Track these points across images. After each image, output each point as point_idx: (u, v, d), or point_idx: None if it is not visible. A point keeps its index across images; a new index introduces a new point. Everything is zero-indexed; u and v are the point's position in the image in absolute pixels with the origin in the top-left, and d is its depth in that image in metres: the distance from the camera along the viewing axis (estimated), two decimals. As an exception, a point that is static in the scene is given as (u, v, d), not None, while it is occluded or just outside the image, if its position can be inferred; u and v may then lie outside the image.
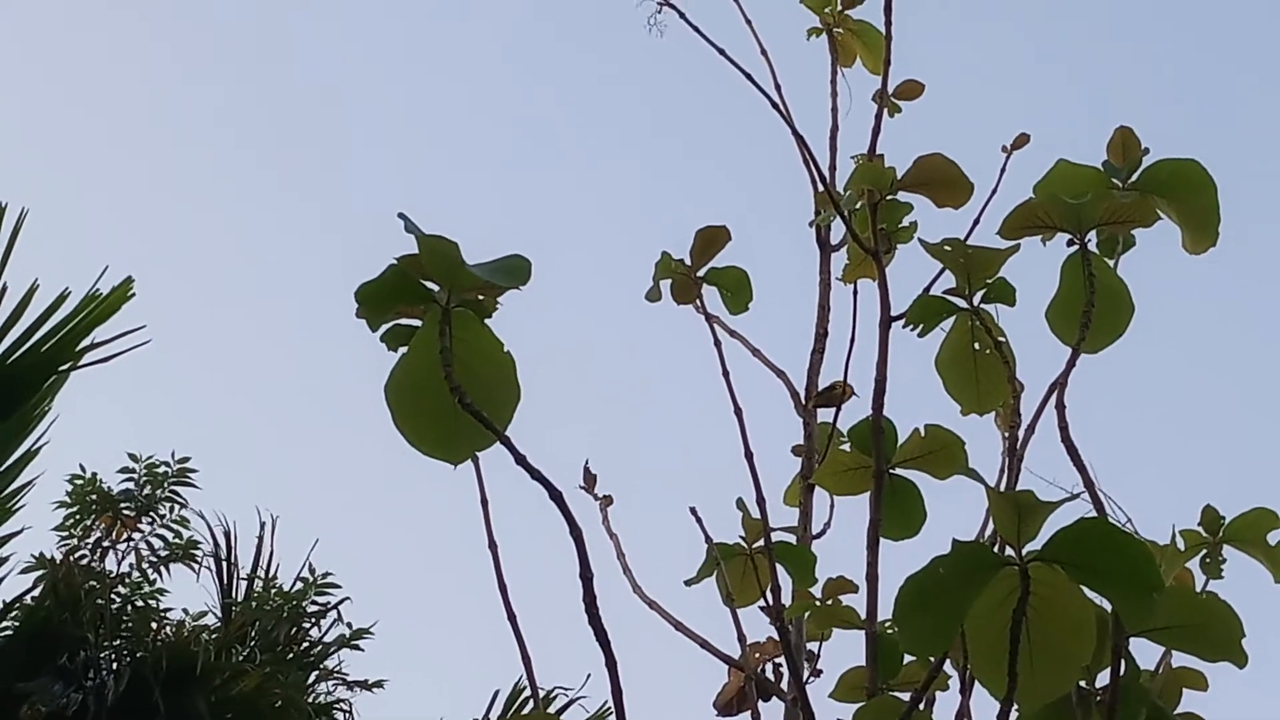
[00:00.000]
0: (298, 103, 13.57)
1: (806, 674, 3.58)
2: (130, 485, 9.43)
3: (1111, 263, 2.98)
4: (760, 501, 3.46)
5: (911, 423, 3.28)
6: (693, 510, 3.49)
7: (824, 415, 3.90)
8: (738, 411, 3.57)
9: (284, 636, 8.72)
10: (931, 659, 2.77)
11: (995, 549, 2.40)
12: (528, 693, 2.91)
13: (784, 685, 3.61)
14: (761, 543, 3.45)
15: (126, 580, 8.94)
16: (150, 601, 8.94)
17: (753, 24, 4.22)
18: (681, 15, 4.10)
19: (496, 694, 8.11)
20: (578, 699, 7.77)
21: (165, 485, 9.42)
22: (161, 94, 13.73)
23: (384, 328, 2.48)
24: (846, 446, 3.47)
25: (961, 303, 3.07)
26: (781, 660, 3.59)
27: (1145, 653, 2.77)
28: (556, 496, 2.38)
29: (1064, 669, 2.37)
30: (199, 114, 13.58)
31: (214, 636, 8.23)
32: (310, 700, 8.53)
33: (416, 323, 2.48)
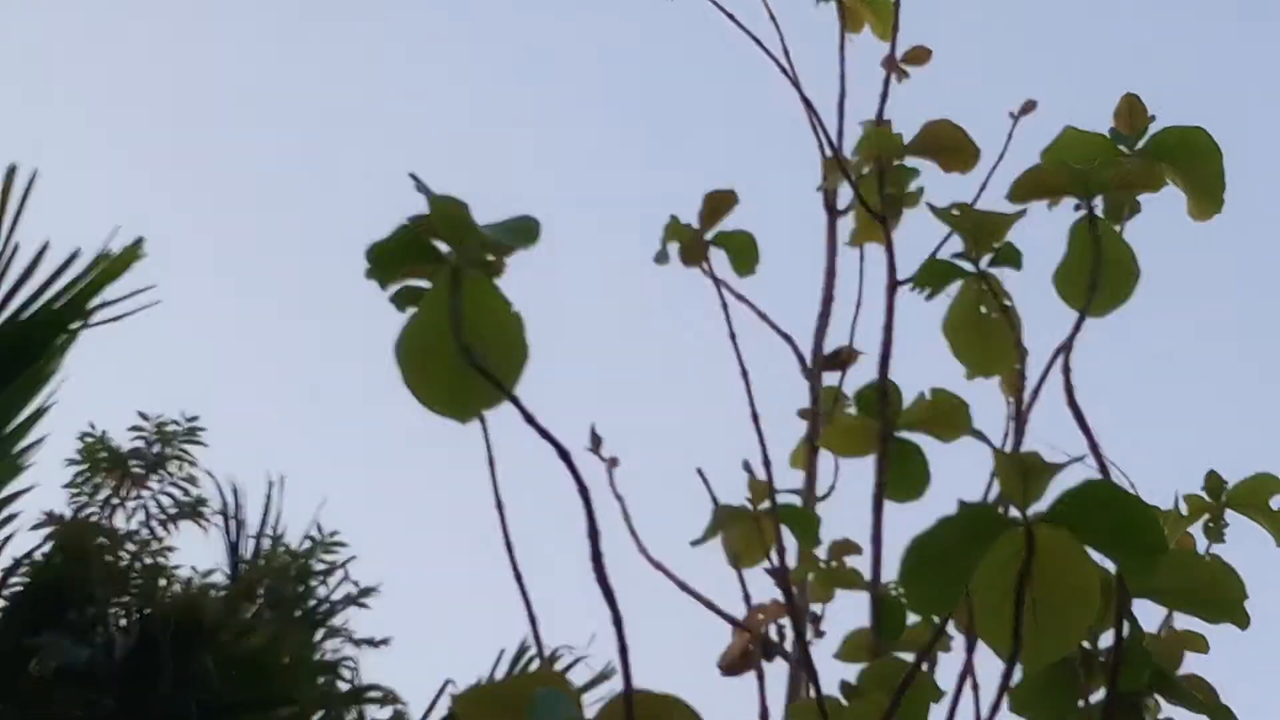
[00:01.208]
0: (313, 64, 13.58)
1: (810, 635, 3.60)
2: (140, 443, 9.47)
3: (1118, 228, 2.99)
4: (766, 464, 3.48)
5: (917, 386, 3.31)
6: (699, 471, 3.51)
7: (830, 379, 3.92)
8: (744, 374, 3.58)
9: (292, 594, 8.76)
10: (936, 620, 2.79)
11: (1000, 510, 2.41)
12: (533, 651, 2.93)
13: (788, 646, 3.63)
14: (767, 504, 3.47)
15: (135, 537, 8.98)
16: (159, 559, 8.98)
17: (762, -13, 4.22)
18: (690, -22, 4.10)
19: (502, 652, 8.16)
20: (582, 658, 7.82)
21: (175, 443, 9.46)
22: (174, 52, 13.72)
23: (393, 288, 2.50)
24: (852, 409, 3.49)
25: (969, 266, 3.08)
26: (786, 621, 3.61)
27: (1148, 615, 2.80)
28: (564, 454, 2.40)
29: (1068, 630, 2.39)
30: (212, 72, 13.58)
31: (222, 594, 8.28)
32: (317, 657, 8.58)
33: (426, 284, 2.49)
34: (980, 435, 2.94)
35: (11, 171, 6.14)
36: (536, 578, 2.81)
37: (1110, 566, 2.41)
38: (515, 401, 2.44)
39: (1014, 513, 2.33)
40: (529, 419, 2.42)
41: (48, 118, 12.55)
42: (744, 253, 3.79)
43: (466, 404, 2.51)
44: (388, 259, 2.45)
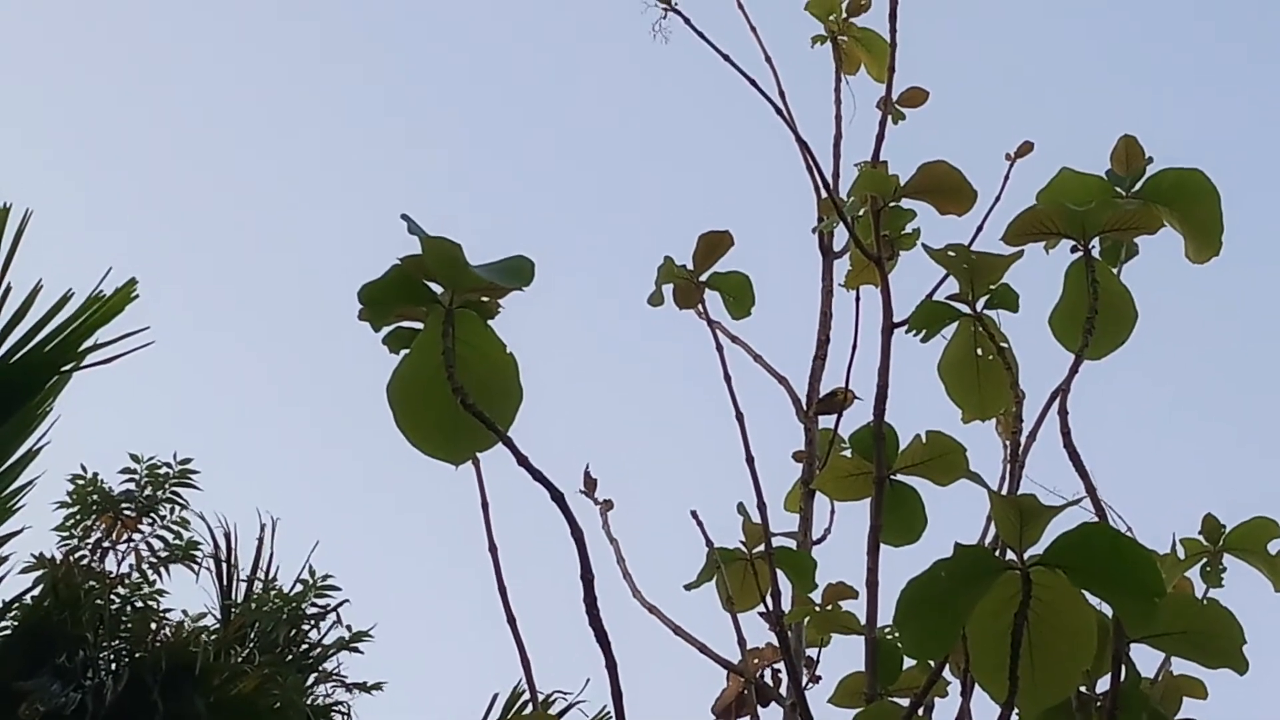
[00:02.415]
0: (302, 105, 13.59)
1: (806, 679, 3.58)
2: (131, 486, 9.44)
3: (1115, 270, 2.98)
4: (761, 506, 3.46)
5: (913, 429, 3.29)
6: (694, 514, 3.50)
7: (825, 421, 3.91)
8: (739, 416, 3.57)
9: (283, 638, 8.72)
10: (932, 664, 2.77)
11: (997, 553, 2.40)
12: (527, 696, 2.90)
13: (783, 690, 3.61)
14: (762, 548, 3.46)
15: (126, 580, 8.94)
16: (150, 602, 8.94)
17: (757, 31, 4.23)
18: (687, 21, 4.11)
19: (495, 697, 8.11)
20: (577, 703, 7.77)
21: (166, 486, 9.43)
22: (166, 95, 13.73)
23: (386, 329, 2.48)
24: (848, 452, 3.47)
25: (965, 308, 3.07)
26: (781, 665, 3.59)
27: (1145, 659, 2.78)
28: (558, 497, 2.38)
29: (1065, 674, 2.37)
30: (203, 115, 13.59)
31: (213, 637, 8.23)
32: (309, 702, 8.53)
33: (419, 325, 2.48)
34: (977, 478, 2.92)
35: (4, 212, 6.12)
36: (530, 621, 2.80)
37: (1107, 610, 2.40)
38: (509, 444, 2.42)
39: (1010, 556, 2.32)
40: (522, 462, 2.40)
41: (41, 159, 12.56)
42: (739, 294, 3.78)
43: (459, 446, 2.50)
44: (380, 299, 2.43)
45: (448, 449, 2.49)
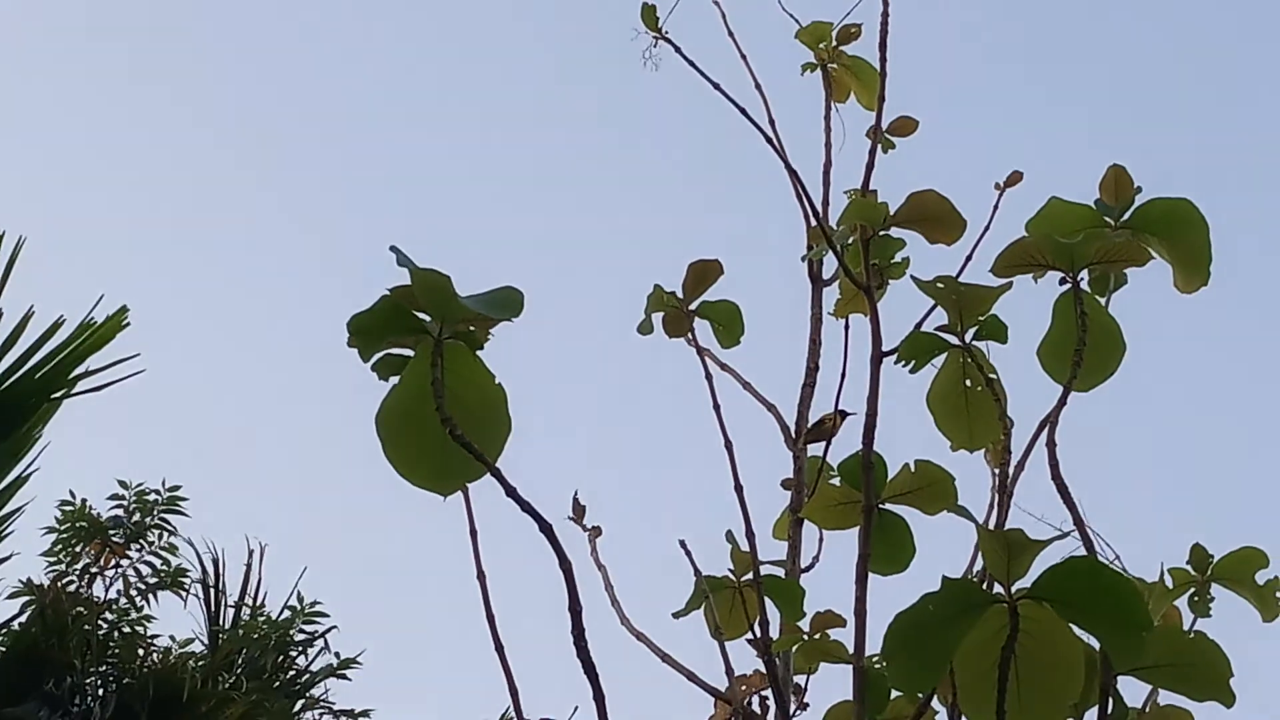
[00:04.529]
0: (295, 133, 13.60)
1: (793, 708, 3.57)
2: (119, 512, 9.41)
3: (1103, 301, 2.98)
4: (749, 535, 3.46)
5: (902, 458, 3.29)
6: (682, 543, 3.50)
7: (814, 450, 3.90)
8: (728, 445, 3.57)
9: (271, 665, 8.71)
10: (919, 695, 2.77)
11: (984, 586, 2.40)
12: (515, 724, 2.90)
13: (770, 719, 3.60)
14: (750, 576, 3.45)
15: (114, 607, 8.92)
16: (137, 628, 8.92)
17: (747, 59, 4.23)
18: (677, 49, 4.11)
19: (483, 726, 8.10)
20: (565, 731, 7.75)
21: (154, 512, 9.41)
22: (157, 122, 13.74)
23: (375, 357, 2.48)
24: (836, 481, 3.47)
25: (953, 340, 3.07)
26: (768, 694, 3.58)
27: (1133, 691, 2.78)
28: (546, 529, 2.38)
29: (1052, 707, 2.37)
30: (195, 143, 13.60)
31: (201, 664, 8.22)
32: (297, 728, 8.52)
33: (409, 352, 2.48)
34: (964, 512, 2.93)
35: (-3, 239, 6.12)
36: (518, 649, 2.80)
37: (1095, 642, 2.39)
38: (497, 475, 2.42)
39: (998, 589, 2.32)
40: (511, 493, 2.40)
41: (34, 186, 12.55)
42: (728, 323, 3.78)
43: (448, 477, 2.49)
44: (369, 330, 2.43)
45: (436, 480, 2.49)
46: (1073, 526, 2.59)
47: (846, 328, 3.84)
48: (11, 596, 8.25)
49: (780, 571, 3.67)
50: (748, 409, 3.96)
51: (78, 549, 9.21)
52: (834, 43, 4.36)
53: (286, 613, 9.15)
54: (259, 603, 9.12)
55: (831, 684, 3.47)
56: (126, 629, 8.77)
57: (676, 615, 3.53)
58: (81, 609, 8.29)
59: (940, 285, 3.02)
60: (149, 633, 8.99)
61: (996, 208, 3.61)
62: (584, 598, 2.41)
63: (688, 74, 4.02)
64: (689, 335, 3.79)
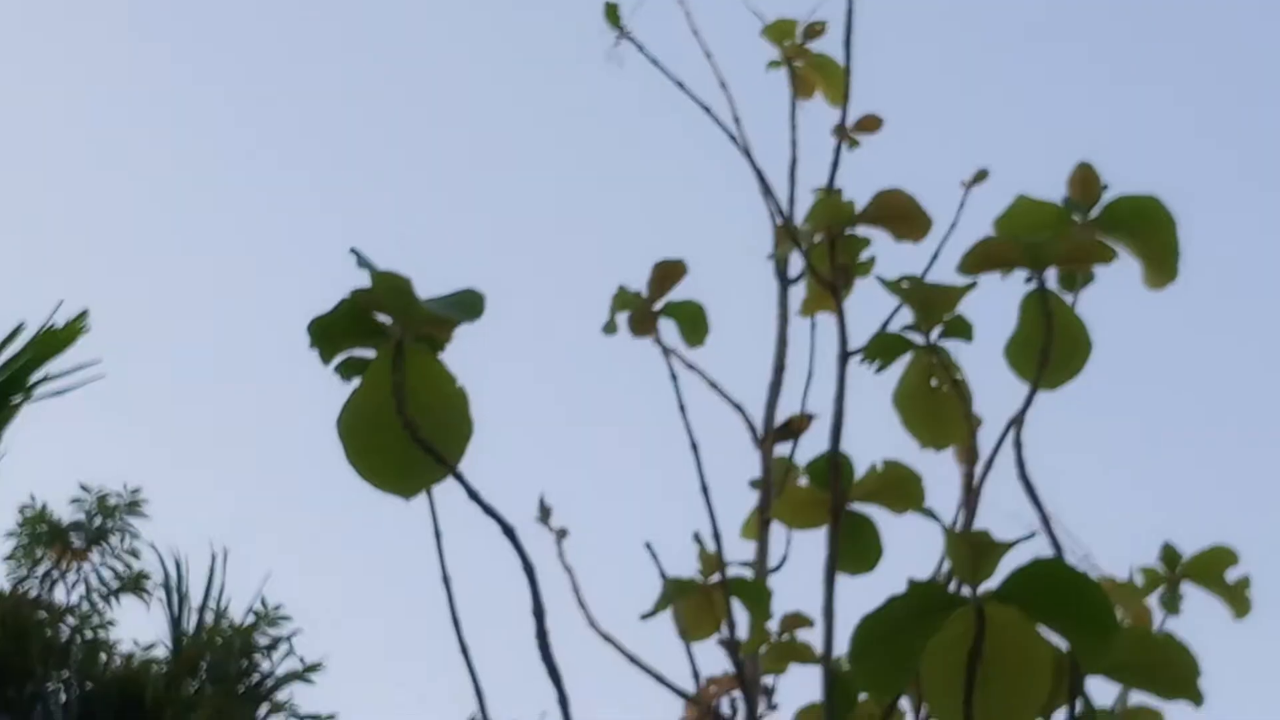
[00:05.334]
0: (252, 137, 13.57)
1: (762, 709, 3.56)
2: (81, 516, 9.37)
3: (1070, 299, 2.97)
4: (716, 536, 3.45)
5: (870, 458, 3.28)
6: (648, 546, 3.48)
7: (782, 450, 3.89)
8: (694, 446, 3.55)
9: (235, 669, 8.67)
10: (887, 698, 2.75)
11: (951, 588, 2.38)
12: (481, 729, 2.88)
13: (739, 719, 3.59)
14: (717, 577, 3.44)
15: (76, 611, 8.87)
16: (100, 633, 8.88)
17: (712, 56, 4.22)
18: (640, 48, 4.09)
19: (450, 728, 8.07)
20: (532, 733, 7.74)
21: (116, 516, 9.37)
22: (116, 129, 13.70)
23: (337, 360, 2.46)
24: (804, 481, 3.45)
25: (919, 339, 3.06)
26: (738, 695, 3.56)
27: (1103, 692, 2.77)
28: (509, 532, 2.37)
29: (1020, 708, 2.36)
30: (154, 149, 13.56)
31: (164, 669, 8.18)
32: (262, 733, 8.49)
33: (371, 353, 2.46)
34: (931, 514, 2.91)
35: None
36: (484, 652, 2.77)
37: (1063, 643, 2.38)
38: (459, 478, 2.41)
39: (964, 590, 2.31)
40: (473, 496, 2.39)
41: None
42: (694, 323, 3.76)
43: (410, 480, 2.48)
44: (330, 333, 2.42)
45: (399, 483, 2.47)
46: (1040, 527, 2.58)
47: (813, 326, 3.83)
48: (-30, 603, 8.21)
49: (748, 572, 3.66)
50: (715, 409, 3.94)
51: (38, 554, 9.16)
52: (799, 40, 4.34)
53: (250, 617, 9.13)
54: (222, 607, 9.09)
55: (801, 685, 3.47)
56: (89, 634, 8.72)
57: (644, 617, 3.51)
58: (43, 614, 8.24)
59: (905, 285, 3.01)
60: (111, 638, 8.96)
61: (963, 205, 3.60)
62: (552, 599, 2.40)
63: (652, 72, 4.01)
64: (654, 335, 3.77)
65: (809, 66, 4.34)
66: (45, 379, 6.07)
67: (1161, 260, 2.98)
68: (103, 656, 8.27)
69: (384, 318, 2.42)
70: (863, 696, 3.14)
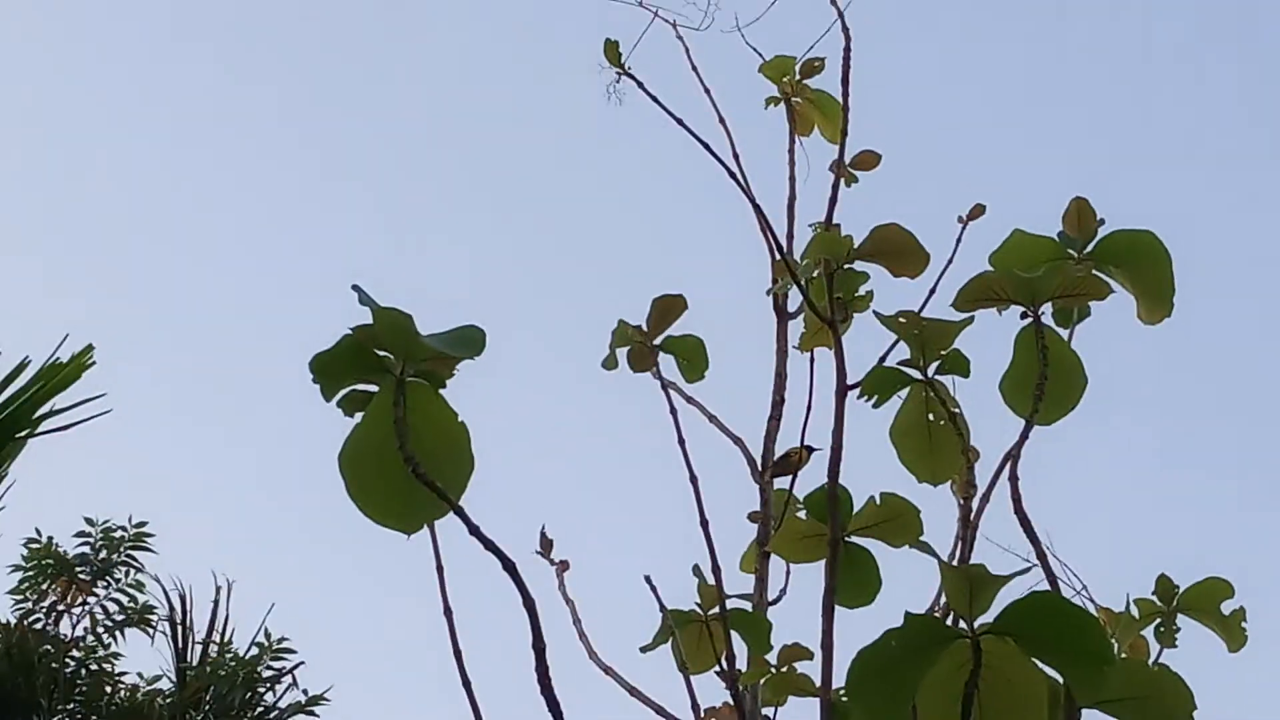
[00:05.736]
0: (256, 171, 13.59)
1: (762, 741, 3.57)
2: (86, 549, 9.37)
3: (1065, 334, 2.99)
4: (716, 568, 3.46)
5: (867, 491, 3.29)
6: (647, 579, 3.49)
7: (780, 483, 3.91)
8: (693, 479, 3.57)
9: (239, 701, 8.67)
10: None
11: (947, 621, 2.40)
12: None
13: (739, 753, 3.60)
14: (717, 609, 3.45)
15: (81, 644, 8.87)
16: (105, 666, 8.88)
17: (711, 93, 4.24)
18: (640, 85, 4.11)
19: (452, 760, 8.06)
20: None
21: (121, 549, 9.37)
22: (120, 160, 13.73)
23: (339, 395, 2.48)
24: (802, 514, 3.47)
25: (916, 374, 3.08)
26: (737, 727, 3.57)
27: (1098, 724, 2.78)
28: (509, 567, 2.38)
29: (1016, 741, 2.37)
30: (159, 180, 13.58)
31: (168, 701, 8.18)
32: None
33: (373, 388, 2.48)
34: (927, 548, 2.93)
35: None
36: (485, 684, 2.79)
37: (1059, 676, 2.40)
38: (460, 513, 2.42)
39: (961, 624, 2.32)
40: (474, 531, 2.40)
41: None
42: (693, 358, 3.79)
43: (412, 516, 2.49)
44: (332, 369, 2.43)
45: (400, 519, 2.48)
46: (1036, 561, 2.59)
47: (812, 361, 3.85)
48: (-24, 635, 8.22)
49: (747, 605, 3.67)
50: (714, 443, 3.96)
51: (44, 587, 9.16)
52: (797, 77, 4.37)
53: (254, 649, 9.12)
54: (226, 639, 9.09)
55: (800, 717, 3.48)
56: (93, 666, 8.73)
57: (644, 649, 3.52)
58: (48, 647, 8.25)
59: (903, 320, 3.03)
60: (116, 670, 8.95)
61: (959, 241, 3.62)
62: (553, 631, 2.41)
63: (652, 109, 4.03)
64: (654, 370, 3.79)
65: (807, 103, 4.37)
66: (51, 413, 6.07)
67: (1156, 294, 3.00)
68: (107, 689, 8.26)
69: (385, 354, 2.44)
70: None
